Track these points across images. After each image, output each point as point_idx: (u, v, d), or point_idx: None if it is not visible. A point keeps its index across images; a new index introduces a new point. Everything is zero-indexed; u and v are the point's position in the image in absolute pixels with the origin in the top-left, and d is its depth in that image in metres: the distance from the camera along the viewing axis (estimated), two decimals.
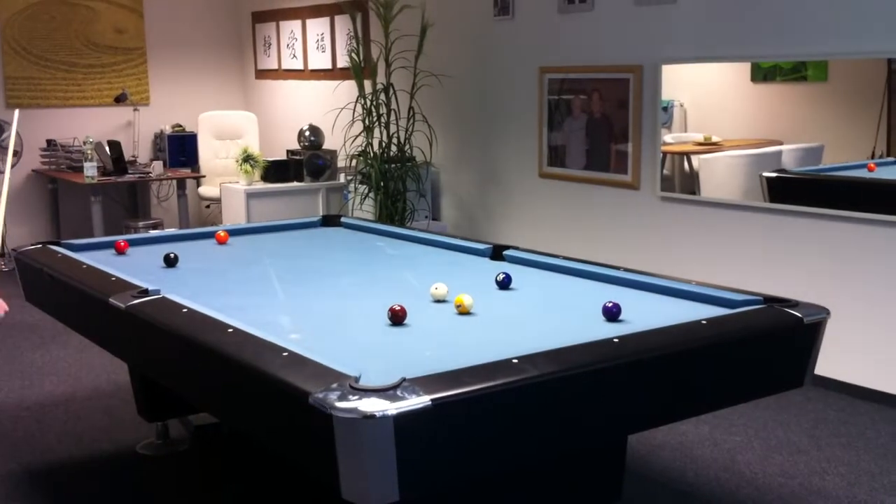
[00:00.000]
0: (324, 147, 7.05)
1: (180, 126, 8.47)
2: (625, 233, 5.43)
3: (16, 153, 7.71)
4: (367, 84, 6.34)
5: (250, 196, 6.68)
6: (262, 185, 6.78)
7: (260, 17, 8.71)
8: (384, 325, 2.72)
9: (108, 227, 7.39)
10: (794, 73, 4.56)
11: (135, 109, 8.38)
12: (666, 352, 2.43)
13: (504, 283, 3.15)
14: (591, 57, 5.50)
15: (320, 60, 7.92)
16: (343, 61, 7.48)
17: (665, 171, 5.19)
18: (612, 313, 2.72)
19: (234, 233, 4.26)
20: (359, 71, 6.34)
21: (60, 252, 3.71)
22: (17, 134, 7.68)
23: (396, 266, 3.65)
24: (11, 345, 5.52)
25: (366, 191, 6.33)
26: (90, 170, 7.15)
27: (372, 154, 6.30)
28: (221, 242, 4.07)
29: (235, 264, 3.68)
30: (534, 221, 6.03)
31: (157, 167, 7.65)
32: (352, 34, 6.52)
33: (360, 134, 6.35)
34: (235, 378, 2.42)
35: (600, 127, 5.50)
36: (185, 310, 2.75)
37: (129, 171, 7.54)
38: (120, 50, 8.44)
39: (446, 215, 6.75)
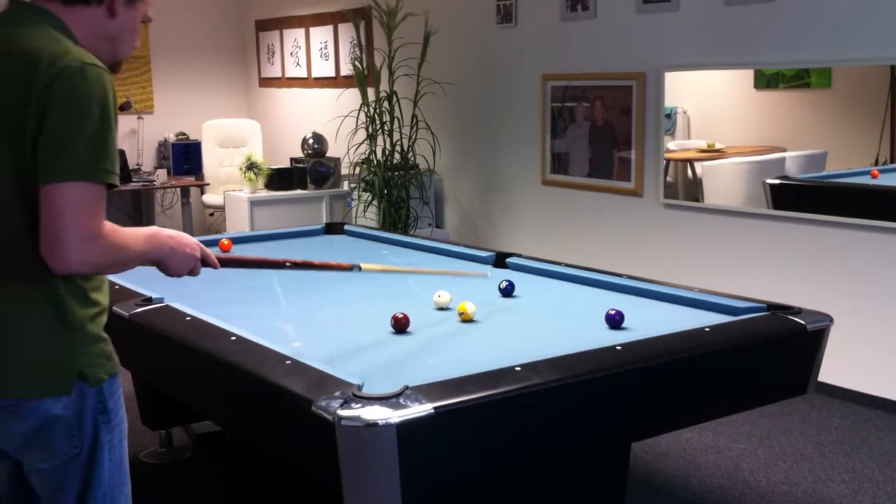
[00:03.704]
0: (327, 155, 7.06)
1: (184, 134, 8.48)
2: (628, 240, 5.43)
3: None
4: (371, 92, 6.36)
5: (254, 204, 6.69)
6: (265, 193, 6.79)
7: (263, 26, 8.73)
8: (387, 332, 2.72)
9: None
10: (797, 79, 4.56)
11: (139, 118, 8.40)
12: (669, 359, 2.43)
13: (507, 291, 3.16)
14: (594, 64, 5.51)
15: (324, 68, 7.93)
16: (346, 69, 7.49)
17: (668, 179, 5.19)
18: (614, 321, 2.73)
19: (237, 241, 4.26)
20: (362, 79, 6.35)
21: None
22: None
23: (399, 274, 3.65)
24: None
25: (369, 198, 6.34)
26: None
27: (375, 162, 6.30)
28: (225, 250, 4.07)
29: (239, 272, 3.68)
30: (537, 229, 6.03)
31: (161, 175, 7.66)
32: (355, 42, 6.53)
33: (363, 142, 6.36)
34: (238, 386, 2.42)
35: (603, 134, 5.50)
36: (188, 318, 2.75)
37: (134, 180, 7.56)
38: None
39: (449, 223, 6.75)
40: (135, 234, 1.86)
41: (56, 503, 1.90)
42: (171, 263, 1.97)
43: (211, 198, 8.08)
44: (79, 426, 1.85)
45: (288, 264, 2.43)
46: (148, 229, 1.94)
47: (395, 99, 6.27)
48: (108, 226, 1.76)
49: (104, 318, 1.91)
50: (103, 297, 1.91)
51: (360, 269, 2.67)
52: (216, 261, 2.11)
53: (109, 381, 1.90)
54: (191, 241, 2.02)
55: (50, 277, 1.76)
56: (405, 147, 6.35)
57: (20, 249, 1.78)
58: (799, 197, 4.67)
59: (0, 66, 1.79)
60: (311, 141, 7.07)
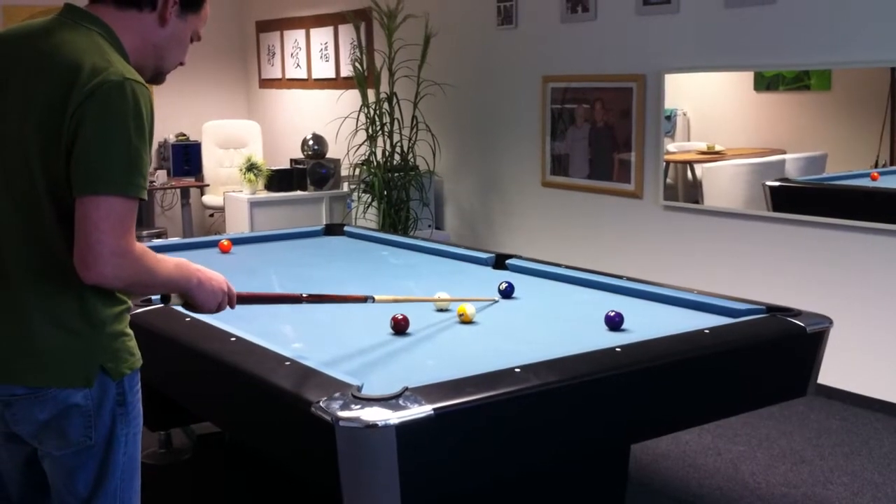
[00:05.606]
0: (327, 156, 7.05)
1: (184, 135, 8.48)
2: (628, 242, 5.43)
3: None
4: (371, 93, 6.36)
5: (254, 205, 6.69)
6: (265, 194, 6.78)
7: (264, 27, 8.73)
8: (387, 334, 2.72)
9: None
10: (797, 82, 4.56)
11: None
12: (668, 361, 2.43)
13: (506, 293, 3.15)
14: (594, 66, 5.51)
15: (324, 69, 7.93)
16: (347, 70, 7.50)
17: (668, 180, 5.19)
18: (614, 322, 2.73)
19: (237, 242, 4.26)
20: (362, 80, 6.35)
21: None
22: None
23: (399, 275, 3.65)
24: None
25: (369, 200, 6.34)
26: None
27: (375, 163, 6.30)
28: (225, 251, 4.07)
29: (238, 273, 3.67)
30: (536, 230, 6.03)
31: (161, 176, 7.66)
32: (355, 43, 6.53)
33: (363, 143, 6.36)
34: (237, 387, 2.42)
35: (603, 136, 5.50)
36: (188, 318, 2.75)
37: None
38: None
39: (449, 224, 6.75)
40: (164, 259, 1.90)
41: (67, 490, 1.92)
42: (199, 296, 2.00)
43: (211, 199, 8.08)
44: (97, 417, 1.87)
45: (304, 297, 2.45)
46: (176, 258, 1.97)
47: (395, 100, 6.27)
48: (140, 246, 1.80)
49: (128, 315, 1.95)
50: (127, 296, 1.95)
51: (373, 300, 2.70)
52: (235, 297, 2.14)
53: (131, 375, 1.93)
54: (217, 276, 2.06)
55: (78, 278, 1.78)
56: (405, 148, 6.35)
57: (48, 252, 1.81)
58: (799, 199, 4.67)
59: (42, 71, 1.80)
60: (311, 142, 7.06)
